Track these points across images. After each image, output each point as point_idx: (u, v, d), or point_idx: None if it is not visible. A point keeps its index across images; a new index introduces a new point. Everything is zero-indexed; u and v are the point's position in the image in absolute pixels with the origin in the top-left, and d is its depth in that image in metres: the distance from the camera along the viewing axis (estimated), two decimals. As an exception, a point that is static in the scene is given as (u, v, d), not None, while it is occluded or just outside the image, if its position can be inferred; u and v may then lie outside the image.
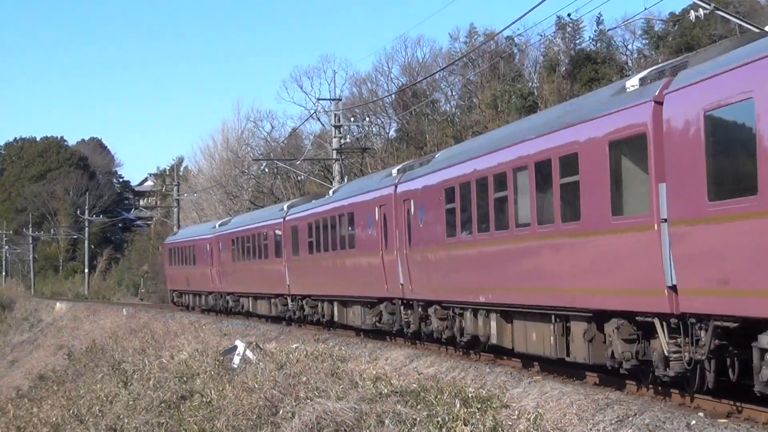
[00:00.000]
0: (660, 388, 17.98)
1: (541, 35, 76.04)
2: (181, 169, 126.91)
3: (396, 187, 29.57)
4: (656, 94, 16.39)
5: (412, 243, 28.09)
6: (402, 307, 30.02)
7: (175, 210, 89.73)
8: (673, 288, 15.95)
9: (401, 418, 18.86)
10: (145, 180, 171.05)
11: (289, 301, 42.70)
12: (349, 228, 33.62)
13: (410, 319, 29.47)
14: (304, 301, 40.58)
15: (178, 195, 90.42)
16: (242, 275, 49.40)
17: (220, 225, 56.50)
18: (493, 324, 23.55)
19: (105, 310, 77.46)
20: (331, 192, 38.62)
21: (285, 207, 44.24)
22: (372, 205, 31.38)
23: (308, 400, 21.73)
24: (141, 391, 31.49)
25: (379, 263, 30.58)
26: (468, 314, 25.01)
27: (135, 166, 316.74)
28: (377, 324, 31.96)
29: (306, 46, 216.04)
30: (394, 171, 31.47)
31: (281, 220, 42.92)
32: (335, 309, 36.82)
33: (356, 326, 34.51)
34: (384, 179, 31.74)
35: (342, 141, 56.96)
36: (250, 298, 49.82)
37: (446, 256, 25.65)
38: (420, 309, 28.49)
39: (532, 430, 16.36)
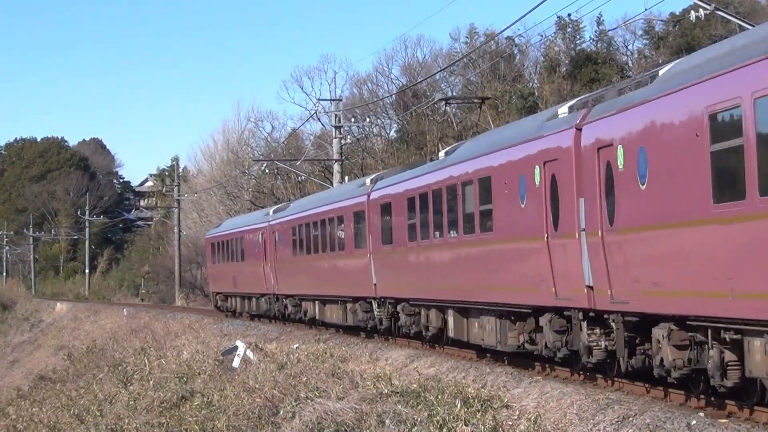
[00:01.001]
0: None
1: (542, 35, 76.13)
2: (180, 168, 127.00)
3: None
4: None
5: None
6: None
7: (176, 210, 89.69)
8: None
9: (402, 418, 18.88)
10: (146, 180, 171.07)
11: (374, 305, 32.50)
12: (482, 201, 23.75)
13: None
14: (399, 306, 30.13)
15: (179, 195, 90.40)
16: (307, 273, 39.00)
17: (275, 211, 45.89)
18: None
19: (105, 311, 77.47)
20: (443, 154, 27.74)
21: (368, 181, 33.94)
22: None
23: (309, 401, 21.74)
24: (141, 391, 31.50)
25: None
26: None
27: (135, 167, 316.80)
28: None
29: (306, 46, 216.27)
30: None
31: (364, 197, 32.48)
32: (450, 318, 26.43)
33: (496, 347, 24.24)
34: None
35: (342, 141, 56.95)
36: (317, 302, 38.81)
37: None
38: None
39: (532, 430, 16.37)
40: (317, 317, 38.59)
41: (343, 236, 34.25)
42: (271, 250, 43.59)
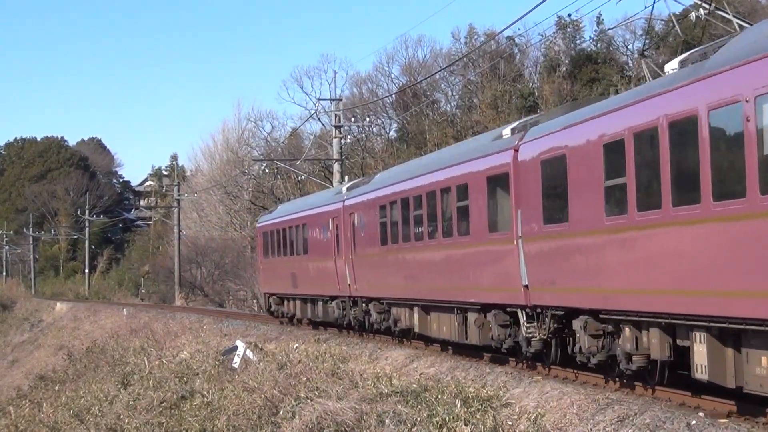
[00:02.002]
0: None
1: (542, 35, 76.13)
2: (178, 165, 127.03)
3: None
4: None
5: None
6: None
7: (175, 210, 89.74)
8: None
9: (402, 418, 18.88)
10: (146, 180, 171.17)
11: (522, 315, 21.76)
12: None
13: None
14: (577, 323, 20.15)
15: (179, 195, 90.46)
16: (403, 268, 29.05)
17: (351, 188, 35.89)
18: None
19: (105, 311, 77.49)
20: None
21: (508, 130, 23.13)
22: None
23: (309, 400, 21.75)
24: (141, 391, 31.50)
25: None
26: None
27: (135, 166, 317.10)
28: None
29: (306, 46, 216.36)
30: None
31: (509, 151, 21.98)
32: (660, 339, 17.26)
33: None
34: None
35: (342, 141, 56.96)
36: (416, 309, 28.54)
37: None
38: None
39: (532, 430, 16.38)
40: (416, 329, 28.83)
41: (469, 214, 24.22)
42: (346, 240, 33.99)
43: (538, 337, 21.22)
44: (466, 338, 25.12)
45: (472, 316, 24.54)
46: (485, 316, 23.90)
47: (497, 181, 22.56)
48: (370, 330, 33.33)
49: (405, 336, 31.03)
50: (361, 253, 32.77)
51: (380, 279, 31.21)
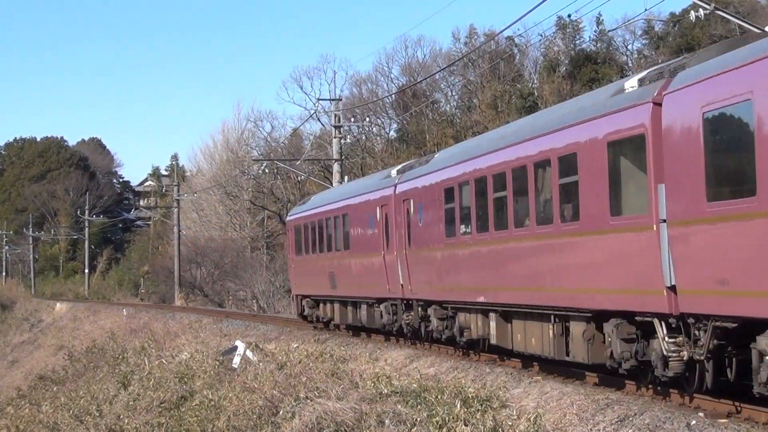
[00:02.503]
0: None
1: (542, 35, 76.12)
2: (178, 165, 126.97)
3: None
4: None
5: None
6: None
7: (175, 210, 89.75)
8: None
9: (401, 419, 18.88)
10: (145, 180, 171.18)
11: (662, 327, 16.97)
12: None
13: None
14: None
15: (179, 195, 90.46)
16: (478, 265, 23.81)
17: (402, 171, 30.75)
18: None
19: (105, 311, 77.50)
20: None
21: (634, 82, 18.16)
22: None
23: (308, 400, 21.74)
24: (141, 391, 31.50)
25: None
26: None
27: (135, 166, 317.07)
28: None
29: (306, 46, 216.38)
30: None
31: (646, 106, 16.97)
32: None
33: None
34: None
35: (342, 141, 56.96)
36: (495, 316, 23.37)
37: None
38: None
39: (532, 430, 16.37)
40: (492, 340, 23.72)
41: (579, 193, 18.97)
42: (399, 232, 29.11)
43: (683, 357, 16.28)
44: (568, 354, 19.80)
45: (577, 327, 19.25)
46: (598, 327, 18.66)
47: (624, 148, 17.27)
48: (427, 339, 28.65)
49: (473, 348, 25.92)
50: (419, 247, 27.54)
51: (444, 278, 25.90)
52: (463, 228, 24.37)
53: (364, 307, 33.13)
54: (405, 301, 29.36)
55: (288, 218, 44.41)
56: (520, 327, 22.07)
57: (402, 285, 28.98)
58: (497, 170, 22.19)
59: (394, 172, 31.30)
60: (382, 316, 31.19)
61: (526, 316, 21.59)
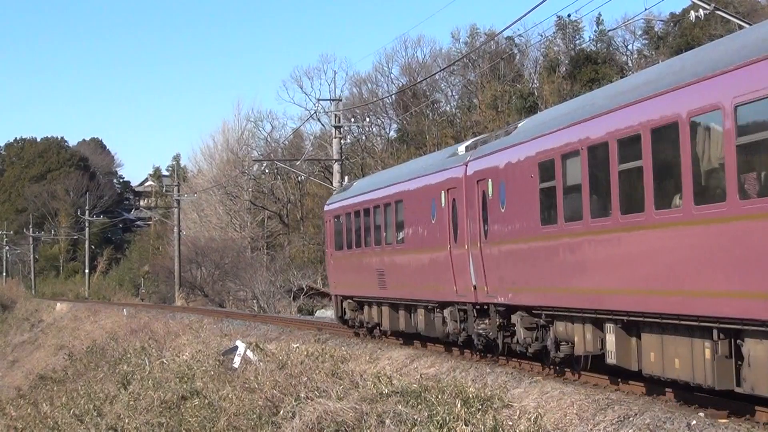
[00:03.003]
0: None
1: (542, 35, 76.11)
2: (180, 165, 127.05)
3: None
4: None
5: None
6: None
7: (176, 210, 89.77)
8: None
9: (402, 418, 18.89)
10: (146, 180, 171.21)
11: None
12: None
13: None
14: None
15: (179, 195, 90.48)
16: (595, 261, 18.69)
17: (471, 147, 25.82)
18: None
19: (105, 311, 77.50)
20: None
21: None
22: None
23: (309, 400, 21.75)
24: (141, 391, 31.51)
25: None
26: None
27: (135, 166, 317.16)
28: None
29: (306, 46, 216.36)
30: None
31: None
32: None
33: None
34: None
35: (342, 141, 56.97)
36: (614, 328, 18.16)
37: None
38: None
39: (532, 430, 16.38)
40: (611, 359, 18.30)
41: None
42: (472, 220, 24.14)
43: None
44: (739, 383, 14.70)
45: (758, 346, 14.13)
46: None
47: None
48: (506, 352, 23.67)
49: (569, 365, 20.96)
50: (500, 238, 22.49)
51: (536, 278, 20.83)
52: (568, 212, 19.16)
53: (421, 311, 27.97)
54: (478, 306, 24.09)
55: (326, 207, 37.92)
56: (654, 343, 16.75)
57: (475, 286, 23.83)
58: (626, 133, 16.94)
59: (461, 148, 26.05)
60: (445, 323, 26.08)
61: (664, 329, 16.33)
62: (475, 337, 24.43)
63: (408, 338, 30.69)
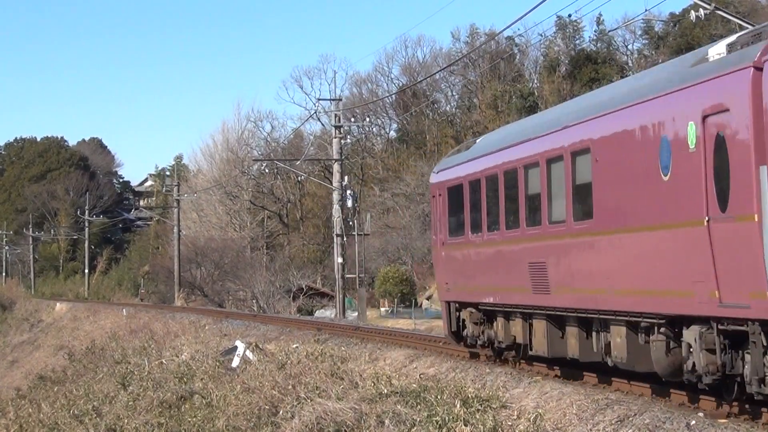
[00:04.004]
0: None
1: (542, 35, 76.20)
2: (181, 165, 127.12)
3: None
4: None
5: None
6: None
7: (175, 210, 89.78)
8: None
9: (401, 419, 18.88)
10: (146, 180, 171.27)
11: None
12: None
13: None
14: None
15: (179, 195, 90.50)
16: None
17: (743, 43, 14.79)
18: None
19: (105, 311, 77.49)
20: None
21: None
22: None
23: (308, 401, 21.74)
24: (141, 391, 31.49)
25: None
26: None
27: (135, 166, 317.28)
28: None
29: (306, 46, 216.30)
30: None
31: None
32: None
33: None
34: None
35: (342, 141, 56.96)
36: None
37: None
38: None
39: (532, 430, 16.37)
40: None
41: None
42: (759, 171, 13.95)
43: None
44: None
45: None
46: None
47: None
48: None
49: None
50: None
51: None
52: None
53: (620, 332, 17.89)
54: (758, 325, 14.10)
55: (434, 178, 27.44)
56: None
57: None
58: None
59: (719, 48, 15.44)
60: (688, 354, 15.81)
61: None
62: (754, 383, 14.26)
63: (579, 369, 20.82)
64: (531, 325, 21.61)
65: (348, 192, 56.05)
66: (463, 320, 25.38)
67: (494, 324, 23.73)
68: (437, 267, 27.96)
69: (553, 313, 20.39)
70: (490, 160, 23.16)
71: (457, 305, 25.82)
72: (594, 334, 19.05)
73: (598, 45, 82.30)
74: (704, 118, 14.86)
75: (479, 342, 24.68)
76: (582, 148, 18.52)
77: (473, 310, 24.65)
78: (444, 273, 26.70)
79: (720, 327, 14.87)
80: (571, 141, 19.03)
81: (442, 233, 26.34)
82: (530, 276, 20.83)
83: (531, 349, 21.68)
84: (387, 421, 19.02)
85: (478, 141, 26.34)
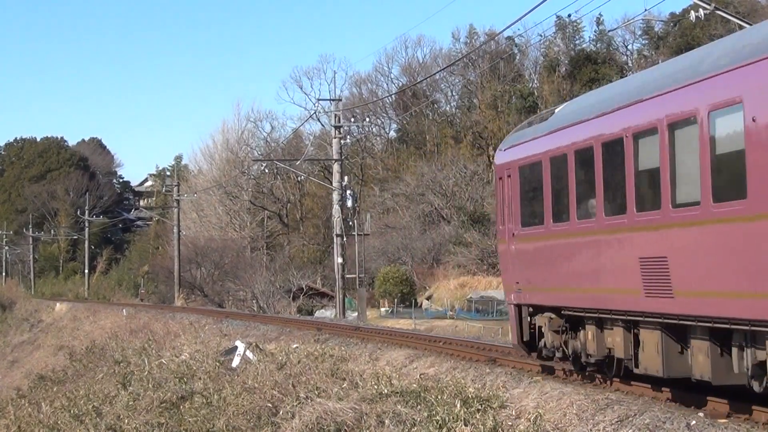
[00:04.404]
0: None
1: (542, 35, 76.22)
2: (181, 165, 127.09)
3: None
4: None
5: None
6: None
7: (175, 210, 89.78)
8: None
9: (401, 419, 18.88)
10: (146, 180, 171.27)
11: None
12: None
13: None
14: None
15: (178, 195, 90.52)
16: None
17: None
18: None
19: (105, 311, 77.47)
20: None
21: None
22: None
23: (308, 401, 21.75)
24: (141, 391, 31.49)
25: None
26: None
27: (135, 166, 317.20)
28: None
29: (306, 46, 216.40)
30: None
31: None
32: None
33: None
34: None
35: (342, 141, 56.95)
36: None
37: None
38: None
39: (532, 430, 16.37)
40: None
41: None
42: None
43: None
44: None
45: None
46: None
47: None
48: None
49: None
50: None
51: None
52: None
53: None
54: None
55: (499, 156, 22.98)
56: None
57: None
58: None
59: None
60: None
61: None
62: None
63: (702, 393, 16.63)
64: (636, 336, 17.34)
65: (348, 192, 56.05)
66: (539, 327, 21.01)
67: (581, 333, 19.40)
68: (504, 263, 22.92)
69: (673, 321, 15.88)
70: (581, 131, 18.51)
71: (530, 309, 21.43)
72: (734, 350, 14.68)
73: (598, 45, 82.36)
74: None
75: (557, 354, 20.40)
76: (728, 102, 14.07)
77: (553, 316, 20.25)
78: (514, 271, 21.95)
79: None
80: (708, 96, 14.58)
81: (512, 222, 21.76)
82: (642, 275, 16.49)
83: (637, 366, 17.35)
84: (387, 421, 19.02)
85: (557, 110, 21.11)
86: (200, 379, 29.91)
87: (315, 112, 74.29)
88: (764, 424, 14.61)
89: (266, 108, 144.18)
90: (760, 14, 58.69)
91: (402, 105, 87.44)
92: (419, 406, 19.16)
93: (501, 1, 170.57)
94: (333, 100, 58.48)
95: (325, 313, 67.97)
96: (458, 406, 18.07)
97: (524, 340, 21.58)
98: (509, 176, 21.86)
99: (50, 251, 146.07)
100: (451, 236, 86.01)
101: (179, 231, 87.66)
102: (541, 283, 20.48)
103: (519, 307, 21.73)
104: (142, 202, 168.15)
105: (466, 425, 17.22)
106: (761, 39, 13.83)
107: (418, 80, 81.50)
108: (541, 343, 20.78)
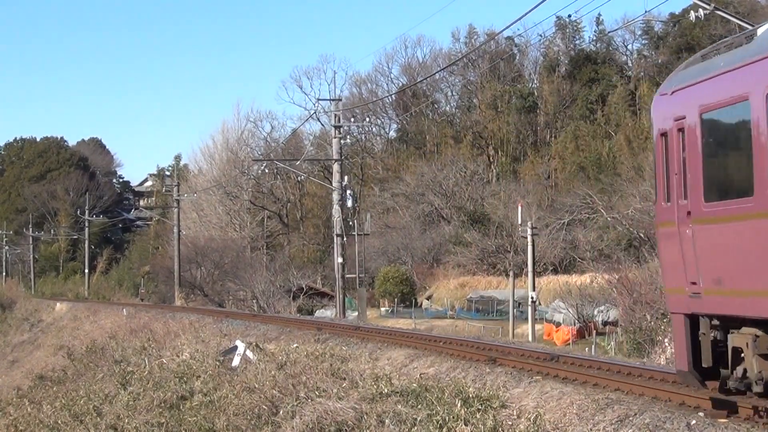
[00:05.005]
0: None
1: (541, 35, 76.28)
2: (180, 165, 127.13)
3: None
4: None
5: None
6: None
7: (175, 210, 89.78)
8: None
9: (402, 418, 18.89)
10: (146, 180, 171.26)
11: None
12: None
13: None
14: None
15: (178, 195, 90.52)
16: None
17: None
18: None
19: (105, 311, 77.45)
20: None
21: None
22: None
23: (309, 400, 21.75)
24: (141, 391, 31.49)
25: None
26: None
27: (135, 166, 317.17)
28: None
29: (306, 46, 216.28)
30: None
31: None
32: None
33: None
34: None
35: (342, 141, 56.96)
36: None
37: None
38: None
39: (532, 430, 16.38)
40: None
41: None
42: None
43: None
44: None
45: None
46: None
47: None
48: None
49: None
50: None
51: None
52: None
53: None
54: None
55: (660, 105, 15.61)
56: None
57: None
58: None
59: None
60: None
61: None
62: None
63: None
64: None
65: (348, 192, 56.06)
66: (734, 349, 13.98)
67: None
68: (670, 255, 15.28)
69: None
70: None
71: (710, 320, 14.50)
72: None
73: (598, 45, 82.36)
74: None
75: (756, 388, 13.64)
76: None
77: (760, 333, 13.48)
78: (689, 266, 14.66)
79: None
80: None
81: (688, 196, 14.61)
82: None
83: None
84: (387, 421, 19.03)
85: (760, 32, 13.78)
86: (200, 379, 29.91)
87: (315, 112, 74.35)
88: (764, 424, 14.61)
89: (266, 108, 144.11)
90: (760, 14, 58.70)
91: (402, 105, 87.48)
92: (419, 406, 19.16)
93: (501, 1, 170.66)
94: (333, 100, 58.50)
95: (325, 313, 67.97)
96: (458, 405, 18.08)
97: (691, 362, 14.70)
98: (679, 129, 14.81)
99: (50, 251, 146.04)
100: (451, 236, 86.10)
101: (179, 231, 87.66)
102: (742, 284, 13.44)
103: (692, 317, 14.81)
104: (142, 202, 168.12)
105: (466, 425, 17.23)
106: None
107: (418, 80, 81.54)
108: (735, 372, 13.96)
